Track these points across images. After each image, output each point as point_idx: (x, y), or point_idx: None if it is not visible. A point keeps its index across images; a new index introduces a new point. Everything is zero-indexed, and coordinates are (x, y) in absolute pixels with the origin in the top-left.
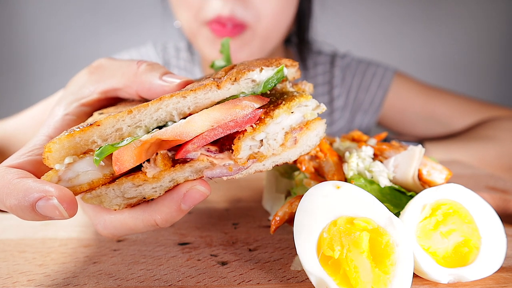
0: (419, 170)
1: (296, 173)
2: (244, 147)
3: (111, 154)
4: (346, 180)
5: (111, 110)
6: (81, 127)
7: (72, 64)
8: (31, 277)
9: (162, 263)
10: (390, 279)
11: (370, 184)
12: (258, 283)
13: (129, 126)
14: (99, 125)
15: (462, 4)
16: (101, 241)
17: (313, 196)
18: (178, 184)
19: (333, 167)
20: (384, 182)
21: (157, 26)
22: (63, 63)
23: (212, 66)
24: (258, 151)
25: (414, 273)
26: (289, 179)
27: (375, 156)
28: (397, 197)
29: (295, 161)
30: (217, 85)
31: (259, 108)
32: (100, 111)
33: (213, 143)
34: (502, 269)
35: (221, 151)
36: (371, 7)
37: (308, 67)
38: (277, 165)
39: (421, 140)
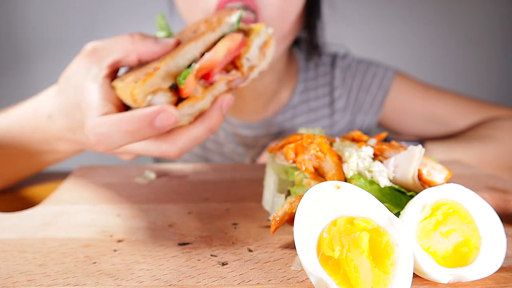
0: (419, 170)
1: (296, 173)
2: (244, 62)
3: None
4: (346, 180)
5: (127, 76)
6: (148, 72)
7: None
8: (31, 277)
9: (162, 263)
10: (390, 279)
11: (370, 184)
12: (258, 283)
13: (174, 66)
14: (158, 69)
15: (463, 4)
16: (101, 241)
17: (313, 196)
18: (216, 99)
19: (333, 167)
20: (384, 182)
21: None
22: (64, 63)
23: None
24: (250, 64)
25: (414, 273)
26: (289, 179)
27: (375, 156)
28: (397, 197)
29: (294, 161)
30: (213, 30)
31: (242, 38)
32: (116, 81)
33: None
34: (502, 269)
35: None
36: (371, 7)
37: (311, 68)
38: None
39: (421, 140)
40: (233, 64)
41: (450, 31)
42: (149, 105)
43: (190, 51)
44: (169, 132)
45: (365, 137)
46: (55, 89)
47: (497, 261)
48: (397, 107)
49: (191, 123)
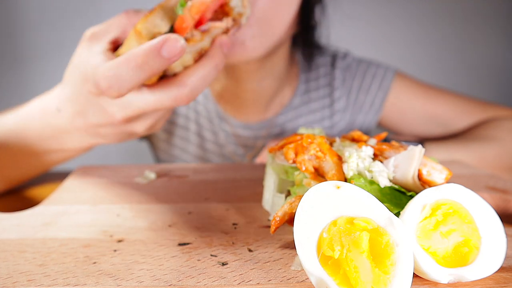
0: (419, 170)
1: (296, 173)
2: (232, 7)
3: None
4: (346, 180)
5: (126, 45)
6: (147, 13)
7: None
8: (31, 277)
9: (162, 263)
10: (390, 279)
11: (370, 184)
12: (258, 283)
13: (170, 9)
14: (156, 9)
15: (463, 4)
16: (101, 241)
17: (313, 196)
18: (214, 40)
19: (333, 167)
20: (384, 182)
21: None
22: (64, 62)
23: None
24: (239, 11)
25: (414, 273)
26: (289, 179)
27: (375, 156)
28: (397, 197)
29: (294, 161)
30: None
31: None
32: (118, 51)
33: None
34: (502, 269)
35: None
36: (371, 7)
37: (312, 69)
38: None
39: (421, 140)
40: (223, 13)
41: (450, 31)
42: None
43: None
44: (176, 75)
45: (365, 137)
46: (61, 85)
47: (497, 261)
48: (397, 107)
49: (196, 61)
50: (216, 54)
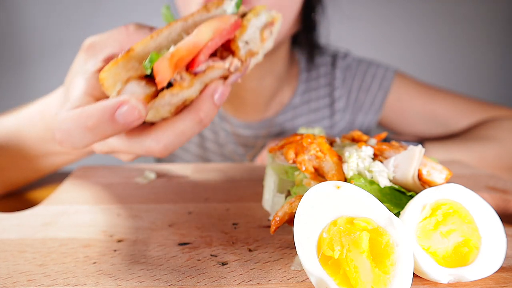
0: (419, 170)
1: (296, 173)
2: (240, 45)
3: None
4: (346, 180)
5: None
6: (119, 56)
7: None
8: (31, 277)
9: (162, 263)
10: (390, 279)
11: (370, 184)
12: (258, 283)
13: (154, 48)
14: (133, 50)
15: (463, 4)
16: (101, 241)
17: (313, 196)
18: (206, 86)
19: (333, 167)
20: (384, 182)
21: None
22: (64, 62)
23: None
24: (249, 49)
25: (414, 273)
26: (289, 179)
27: (375, 156)
28: (397, 197)
29: (294, 161)
30: (206, 10)
31: (238, 19)
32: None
33: (214, 56)
34: (502, 269)
35: (224, 59)
36: (371, 7)
37: (311, 68)
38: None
39: (421, 140)
40: (229, 49)
41: (450, 31)
42: (117, 94)
43: (176, 30)
44: (153, 125)
45: (365, 137)
46: (61, 88)
47: (497, 261)
48: (397, 107)
49: (176, 114)
50: (203, 107)
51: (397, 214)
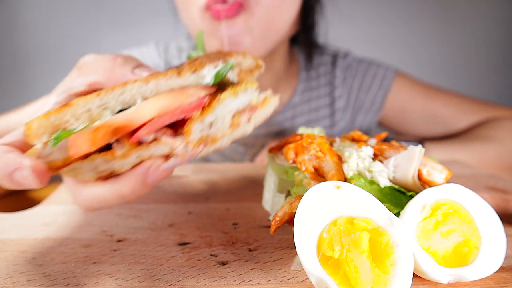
0: (419, 170)
1: (296, 173)
2: (194, 129)
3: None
4: (346, 180)
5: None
6: (56, 107)
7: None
8: (31, 277)
9: (162, 263)
10: (390, 279)
11: (370, 184)
12: (258, 283)
13: (98, 107)
14: (71, 105)
15: (463, 4)
16: (101, 241)
17: (313, 196)
18: (143, 161)
19: (333, 167)
20: (384, 182)
21: (159, 24)
22: (64, 62)
23: (189, 57)
24: (208, 134)
25: (414, 273)
26: (289, 179)
27: (375, 156)
28: (397, 197)
29: (294, 161)
30: (178, 73)
31: (206, 96)
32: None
33: (170, 127)
34: (502, 269)
35: (176, 135)
36: (371, 7)
37: (312, 67)
38: (233, 140)
39: (421, 140)
40: (182, 126)
41: (450, 31)
42: (44, 147)
43: (130, 92)
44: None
45: (365, 137)
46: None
47: (497, 261)
48: (397, 107)
49: (103, 178)
50: (128, 183)
51: (397, 214)
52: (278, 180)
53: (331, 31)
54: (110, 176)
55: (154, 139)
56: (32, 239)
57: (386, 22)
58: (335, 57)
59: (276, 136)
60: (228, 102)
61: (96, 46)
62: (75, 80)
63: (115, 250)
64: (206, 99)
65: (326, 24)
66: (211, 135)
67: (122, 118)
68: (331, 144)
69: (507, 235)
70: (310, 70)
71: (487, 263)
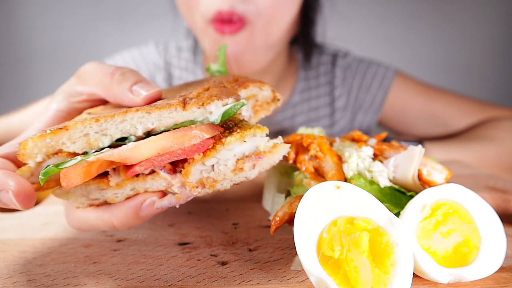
0: (419, 170)
1: (296, 173)
2: (193, 171)
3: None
4: (346, 180)
5: (99, 110)
6: (52, 129)
7: (73, 63)
8: (31, 277)
9: (162, 263)
10: (390, 279)
11: (370, 184)
12: (258, 283)
13: (96, 132)
14: (67, 129)
15: (463, 4)
16: (101, 241)
17: (313, 196)
18: (138, 193)
19: (333, 167)
20: (384, 182)
21: (159, 24)
22: (64, 62)
23: (208, 69)
24: (209, 176)
25: (414, 273)
26: (289, 179)
27: (375, 156)
28: (397, 197)
29: (295, 161)
30: (183, 107)
31: (211, 138)
32: (89, 110)
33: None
34: (502, 269)
35: (174, 172)
36: (371, 7)
37: (311, 67)
38: (236, 184)
39: (421, 140)
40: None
41: (450, 31)
42: (38, 165)
43: (131, 121)
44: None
45: (365, 137)
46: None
47: (497, 261)
48: (397, 107)
49: (95, 205)
50: (119, 214)
51: (397, 214)
52: (278, 180)
53: (332, 30)
54: (103, 204)
55: (152, 172)
56: (32, 239)
57: (386, 21)
58: (335, 57)
59: (276, 136)
60: (234, 146)
61: (96, 46)
62: (74, 87)
63: (115, 250)
64: (211, 141)
65: (324, 23)
66: (211, 177)
67: (118, 155)
68: (331, 144)
69: (507, 235)
70: (309, 70)
71: (487, 263)
